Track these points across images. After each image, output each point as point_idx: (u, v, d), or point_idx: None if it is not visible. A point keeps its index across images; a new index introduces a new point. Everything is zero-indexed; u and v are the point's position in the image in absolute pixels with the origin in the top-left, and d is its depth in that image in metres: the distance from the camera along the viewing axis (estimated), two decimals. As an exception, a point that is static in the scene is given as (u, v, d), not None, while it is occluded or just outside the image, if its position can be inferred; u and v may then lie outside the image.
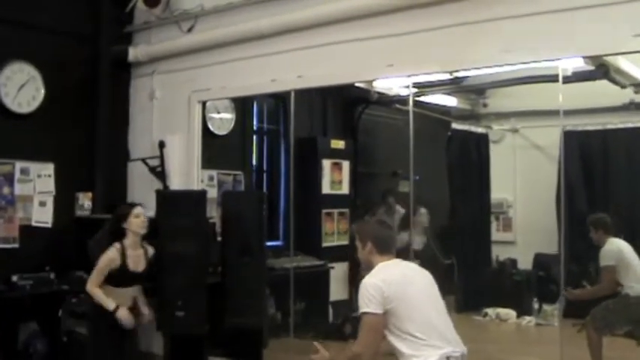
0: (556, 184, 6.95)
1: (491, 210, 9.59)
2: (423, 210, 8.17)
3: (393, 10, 5.75)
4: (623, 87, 7.20)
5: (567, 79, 5.97)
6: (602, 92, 7.32)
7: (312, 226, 8.42)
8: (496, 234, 9.66)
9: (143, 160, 7.49)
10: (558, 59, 5.42)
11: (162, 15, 7.48)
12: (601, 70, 6.68)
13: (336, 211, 8.70)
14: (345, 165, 8.82)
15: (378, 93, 8.59)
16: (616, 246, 5.98)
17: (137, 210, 5.47)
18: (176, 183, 7.28)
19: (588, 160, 8.22)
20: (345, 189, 8.84)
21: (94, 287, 5.26)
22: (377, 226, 4.03)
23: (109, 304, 5.23)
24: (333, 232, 8.57)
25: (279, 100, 8.50)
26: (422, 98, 7.96)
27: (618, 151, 7.98)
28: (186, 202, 6.77)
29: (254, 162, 8.76)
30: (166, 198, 6.84)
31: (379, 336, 3.67)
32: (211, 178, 7.91)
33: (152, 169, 7.42)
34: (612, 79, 6.92)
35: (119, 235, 5.40)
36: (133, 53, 7.72)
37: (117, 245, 5.33)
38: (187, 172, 7.29)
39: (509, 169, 9.39)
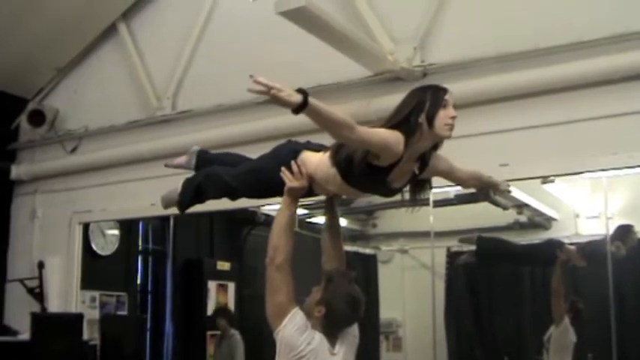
0: (444, 303, 7.07)
1: (381, 330, 9.59)
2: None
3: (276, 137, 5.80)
4: (505, 209, 7.35)
5: (450, 202, 6.17)
6: (487, 213, 7.48)
7: (196, 348, 8.25)
8: (386, 354, 9.61)
9: (21, 281, 7.30)
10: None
11: (46, 134, 7.49)
12: (482, 192, 6.84)
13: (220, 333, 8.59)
14: (231, 286, 8.76)
15: (265, 215, 8.62)
16: None
17: None
18: (55, 305, 7.13)
19: (474, 280, 8.34)
20: (230, 311, 8.76)
21: None
22: (343, 302, 3.29)
23: None
24: (218, 354, 8.44)
25: (164, 221, 8.46)
26: (313, 219, 7.99)
27: (504, 270, 8.12)
28: (62, 325, 6.65)
29: (139, 282, 8.62)
30: (42, 321, 6.70)
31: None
32: (93, 299, 7.72)
33: (30, 290, 7.24)
34: (493, 202, 7.08)
35: None
36: (16, 171, 7.68)
37: None
38: (67, 293, 7.16)
39: (399, 289, 9.43)
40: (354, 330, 3.46)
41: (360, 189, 3.40)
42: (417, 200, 3.42)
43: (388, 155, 3.06)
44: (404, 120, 3.10)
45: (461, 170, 3.65)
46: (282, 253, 3.23)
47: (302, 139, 3.55)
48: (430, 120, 3.09)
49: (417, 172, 3.31)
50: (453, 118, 3.15)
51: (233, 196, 3.77)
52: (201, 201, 3.87)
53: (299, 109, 2.75)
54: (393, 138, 3.03)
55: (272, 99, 2.71)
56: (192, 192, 3.83)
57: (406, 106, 3.15)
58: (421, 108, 3.10)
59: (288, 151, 3.42)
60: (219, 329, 8.02)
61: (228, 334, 7.90)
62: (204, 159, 4.02)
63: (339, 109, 3.02)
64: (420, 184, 3.39)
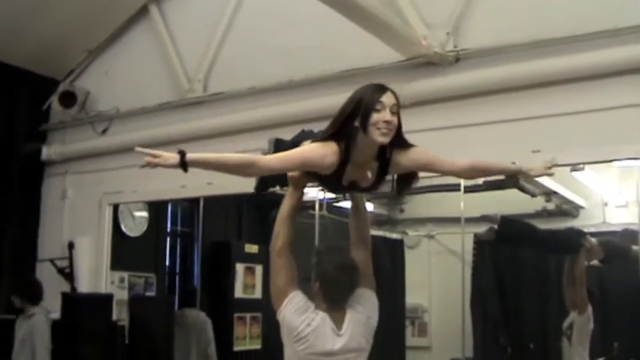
0: (470, 289, 7.05)
1: (407, 315, 9.57)
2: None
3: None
4: (533, 196, 7.32)
5: (478, 188, 6.14)
6: (515, 200, 7.45)
7: (223, 330, 8.28)
8: (411, 339, 9.60)
9: (52, 261, 7.37)
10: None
11: (77, 115, 7.52)
12: (511, 179, 6.82)
13: (248, 315, 8.61)
14: (259, 269, 8.78)
15: (293, 197, 8.63)
16: None
17: None
18: (85, 285, 7.18)
19: (501, 266, 8.31)
20: (258, 293, 8.77)
21: None
22: (333, 268, 3.32)
23: None
24: (245, 336, 8.46)
25: (193, 203, 8.51)
26: (340, 204, 7.98)
27: (530, 257, 8.09)
28: (92, 305, 6.71)
29: (167, 264, 8.68)
30: (72, 300, 6.76)
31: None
32: (122, 280, 7.79)
33: (60, 270, 7.31)
34: (522, 188, 7.05)
35: None
36: (47, 152, 7.73)
37: None
38: (96, 274, 7.21)
39: (425, 275, 9.41)
40: (370, 310, 3.47)
41: (330, 190, 3.57)
42: (402, 193, 3.37)
43: (318, 169, 3.08)
44: (337, 131, 3.04)
45: (453, 163, 3.27)
46: (282, 240, 3.39)
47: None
48: (364, 125, 2.95)
49: (370, 175, 3.18)
50: (387, 122, 2.94)
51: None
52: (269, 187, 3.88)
53: (183, 167, 2.78)
54: (315, 154, 3.02)
55: (155, 166, 2.79)
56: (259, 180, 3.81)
57: (342, 112, 3.05)
58: (356, 113, 2.98)
59: (291, 142, 3.40)
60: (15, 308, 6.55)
61: (27, 314, 6.39)
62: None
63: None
64: (404, 178, 3.26)
